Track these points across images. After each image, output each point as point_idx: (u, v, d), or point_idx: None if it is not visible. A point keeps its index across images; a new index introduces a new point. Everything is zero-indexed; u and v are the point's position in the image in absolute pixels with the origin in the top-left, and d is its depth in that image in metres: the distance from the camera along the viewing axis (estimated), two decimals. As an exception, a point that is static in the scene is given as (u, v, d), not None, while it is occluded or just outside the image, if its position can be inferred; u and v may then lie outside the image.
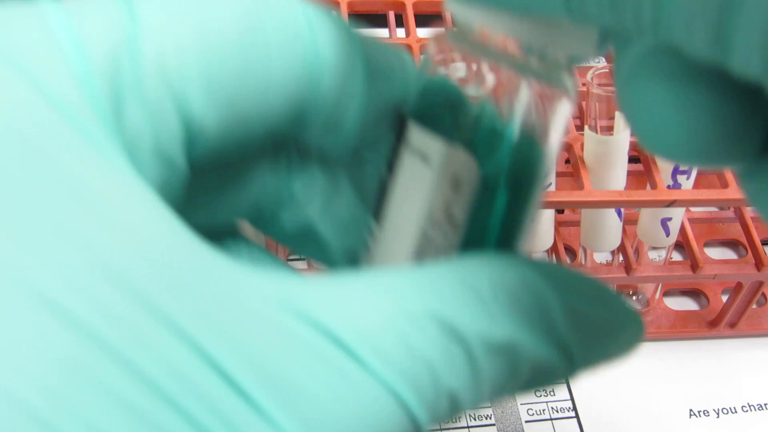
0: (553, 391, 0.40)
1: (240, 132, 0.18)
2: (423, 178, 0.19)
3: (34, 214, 0.14)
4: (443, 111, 0.19)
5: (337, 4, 0.40)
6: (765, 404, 0.41)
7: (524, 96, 0.18)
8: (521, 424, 0.39)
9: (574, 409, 0.40)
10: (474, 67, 0.19)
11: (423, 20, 0.42)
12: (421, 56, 0.19)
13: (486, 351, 0.15)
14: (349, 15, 0.40)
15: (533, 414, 0.39)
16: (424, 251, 0.20)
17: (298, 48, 0.18)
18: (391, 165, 0.20)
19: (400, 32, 0.44)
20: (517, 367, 0.16)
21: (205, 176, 0.20)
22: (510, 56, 0.18)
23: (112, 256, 0.14)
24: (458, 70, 0.19)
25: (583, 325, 0.17)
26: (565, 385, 0.40)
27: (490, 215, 0.19)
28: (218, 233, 0.21)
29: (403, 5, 0.41)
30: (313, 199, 0.22)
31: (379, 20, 0.48)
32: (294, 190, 0.22)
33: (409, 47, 0.39)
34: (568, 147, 0.35)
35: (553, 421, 0.39)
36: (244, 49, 0.17)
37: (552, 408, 0.39)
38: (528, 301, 0.16)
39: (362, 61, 0.19)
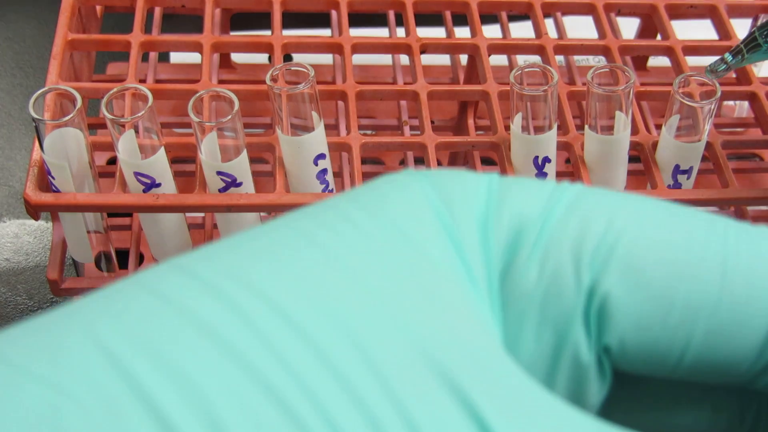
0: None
1: (673, 341, 0.17)
2: None
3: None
4: None
5: (337, 4, 0.40)
6: (765, 404, 0.40)
7: None
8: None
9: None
10: None
11: (423, 20, 0.42)
12: None
13: None
14: (350, 14, 0.40)
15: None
16: None
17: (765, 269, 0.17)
18: None
19: (400, 31, 0.44)
20: None
21: (629, 387, 0.19)
22: None
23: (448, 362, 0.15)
24: None
25: None
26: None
27: None
28: None
29: (403, 5, 0.41)
30: None
31: (379, 20, 0.48)
32: None
33: (408, 47, 0.39)
34: (568, 147, 0.35)
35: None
36: (688, 259, 0.17)
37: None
38: None
39: None
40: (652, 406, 0.19)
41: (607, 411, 0.18)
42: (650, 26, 0.46)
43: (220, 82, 0.45)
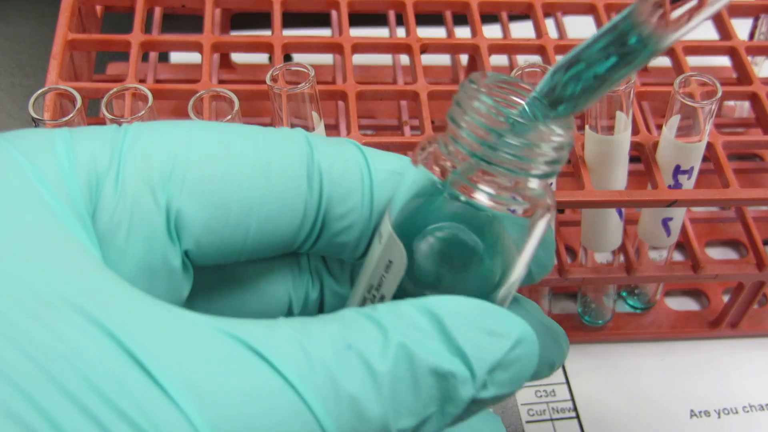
0: (554, 392, 0.40)
1: (232, 226, 0.21)
2: (374, 253, 0.22)
3: None
4: (425, 200, 0.22)
5: (337, 4, 0.40)
6: (766, 404, 0.40)
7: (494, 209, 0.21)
8: (522, 424, 0.38)
9: (575, 409, 0.39)
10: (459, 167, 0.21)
11: (423, 20, 0.42)
12: (418, 155, 0.22)
13: (380, 358, 0.18)
14: (350, 14, 0.40)
15: (534, 414, 0.39)
16: None
17: (295, 165, 0.22)
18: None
19: (400, 31, 0.44)
20: (416, 372, 0.18)
21: (213, 275, 0.23)
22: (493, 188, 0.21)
23: (39, 283, 0.17)
24: (448, 169, 0.21)
25: (474, 331, 0.19)
26: (566, 386, 0.40)
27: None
28: None
29: (403, 5, 0.41)
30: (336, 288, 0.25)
31: (379, 20, 0.48)
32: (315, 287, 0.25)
33: (409, 47, 0.39)
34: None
35: (554, 421, 0.39)
36: (231, 161, 0.21)
37: (553, 408, 0.39)
38: (421, 320, 0.19)
39: (367, 171, 0.23)
40: (233, 289, 0.24)
41: (191, 303, 0.22)
42: (651, 26, 0.46)
43: (220, 82, 0.45)
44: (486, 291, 0.22)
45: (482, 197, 0.21)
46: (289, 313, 0.25)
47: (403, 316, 0.19)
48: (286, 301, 0.24)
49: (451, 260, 0.22)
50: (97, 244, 0.19)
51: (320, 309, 0.25)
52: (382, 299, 0.22)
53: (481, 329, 0.19)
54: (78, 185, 0.19)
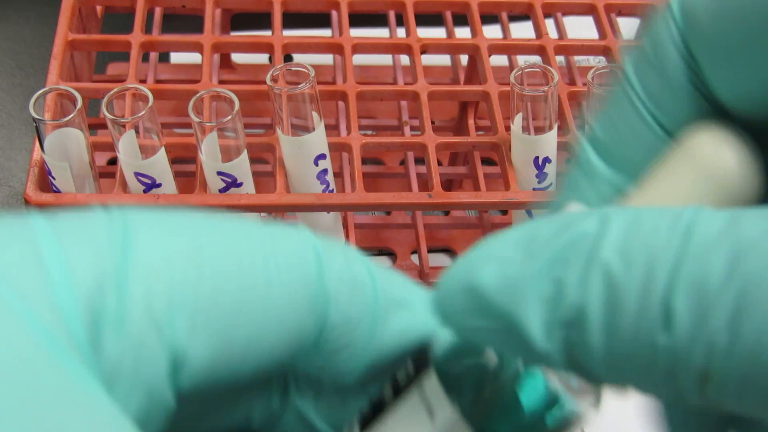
0: (553, 392, 0.40)
1: (233, 364, 0.18)
2: (420, 427, 0.20)
3: None
4: (467, 371, 0.19)
5: (337, 5, 0.40)
6: (766, 404, 0.40)
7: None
8: (522, 424, 0.39)
9: (575, 409, 0.40)
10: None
11: (423, 20, 0.42)
12: None
13: None
14: (350, 15, 0.40)
15: (534, 414, 0.39)
16: None
17: (303, 287, 0.19)
18: (397, 391, 0.21)
19: (401, 32, 0.44)
20: None
21: (192, 401, 0.20)
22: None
23: None
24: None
25: None
26: (565, 386, 0.40)
27: None
28: None
29: (403, 5, 0.41)
30: (309, 408, 0.22)
31: (379, 20, 0.48)
32: (293, 406, 0.22)
33: (409, 47, 0.39)
34: (568, 147, 0.35)
35: (554, 421, 0.39)
36: (241, 287, 0.18)
37: (552, 408, 0.39)
38: None
39: (374, 297, 0.20)
40: (197, 406, 0.21)
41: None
42: (650, 26, 0.46)
43: (221, 82, 0.45)
44: None
45: (566, 387, 0.19)
46: (248, 423, 0.22)
47: None
48: (247, 413, 0.22)
49: None
50: (99, 377, 0.16)
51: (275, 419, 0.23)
52: None
53: None
54: (79, 321, 0.16)
